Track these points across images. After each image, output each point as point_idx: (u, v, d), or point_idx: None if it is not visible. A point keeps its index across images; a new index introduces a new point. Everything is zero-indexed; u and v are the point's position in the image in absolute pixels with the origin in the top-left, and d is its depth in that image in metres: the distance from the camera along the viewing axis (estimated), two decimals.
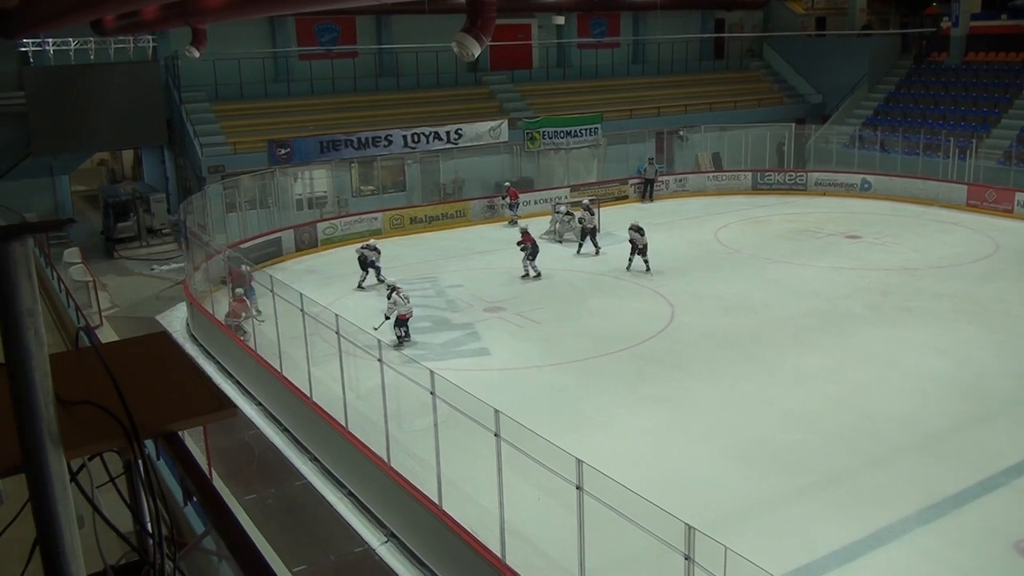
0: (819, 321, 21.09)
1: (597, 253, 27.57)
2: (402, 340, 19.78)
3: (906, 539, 12.07)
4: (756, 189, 37.77)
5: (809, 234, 30.09)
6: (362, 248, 24.95)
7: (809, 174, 37.91)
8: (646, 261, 25.25)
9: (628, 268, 25.41)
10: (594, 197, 32.44)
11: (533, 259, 25.14)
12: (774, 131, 40.00)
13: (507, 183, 33.20)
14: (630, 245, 25.41)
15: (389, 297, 20.01)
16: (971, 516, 12.61)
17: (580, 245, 28.16)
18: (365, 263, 24.57)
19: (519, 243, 25.21)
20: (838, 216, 32.80)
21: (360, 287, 24.52)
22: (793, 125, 40.46)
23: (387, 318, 19.88)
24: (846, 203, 35.30)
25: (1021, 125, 36.14)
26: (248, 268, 18.95)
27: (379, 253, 24.86)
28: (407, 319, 20.00)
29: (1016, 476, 13.68)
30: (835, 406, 16.31)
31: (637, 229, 25.27)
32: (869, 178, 36.56)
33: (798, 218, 32.73)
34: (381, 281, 24.21)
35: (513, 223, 29.48)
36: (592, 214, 28.68)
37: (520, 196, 33.14)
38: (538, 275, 24.99)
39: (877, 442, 14.85)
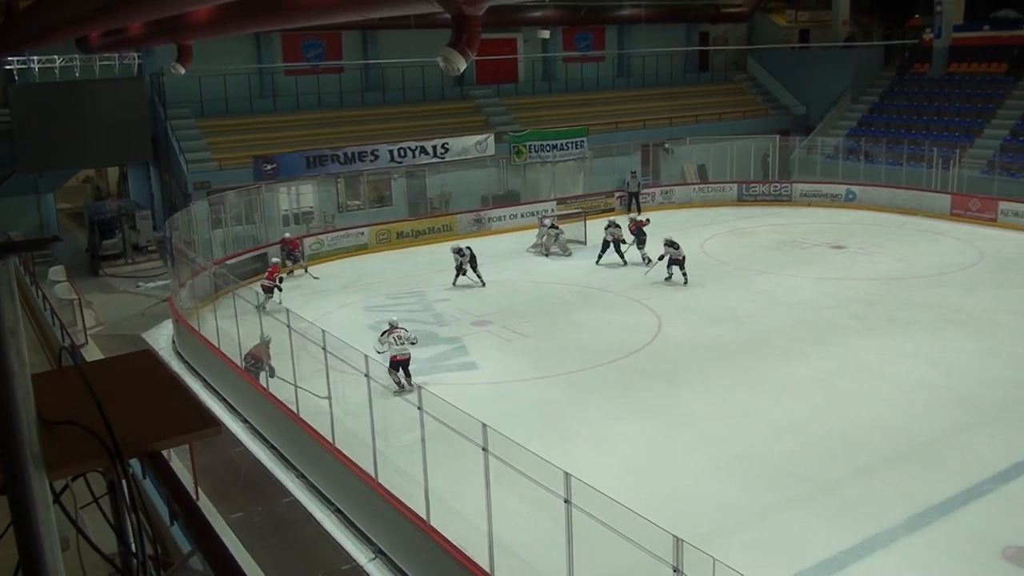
0: (806, 331, 21.16)
1: (598, 261, 28.12)
2: (401, 386, 17.47)
3: (895, 547, 12.09)
4: (742, 200, 37.92)
5: (795, 245, 30.20)
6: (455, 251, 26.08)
7: (794, 185, 38.09)
8: (684, 274, 25.23)
9: (668, 279, 25.28)
10: (578, 211, 32.52)
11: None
12: (759, 143, 40.20)
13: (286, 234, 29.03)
14: (668, 260, 25.31)
15: (383, 334, 18.14)
16: (959, 524, 12.65)
17: (600, 255, 28.26)
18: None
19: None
20: (823, 227, 32.95)
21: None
22: (778, 137, 40.66)
23: (379, 353, 17.70)
24: (831, 214, 35.46)
25: (1004, 135, 36.41)
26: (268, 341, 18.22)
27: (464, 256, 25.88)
28: (401, 362, 17.79)
29: (1003, 483, 13.74)
30: (823, 416, 16.35)
31: (671, 244, 25.31)
32: (854, 188, 36.76)
33: (784, 229, 32.86)
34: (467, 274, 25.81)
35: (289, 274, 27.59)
36: (557, 229, 29.36)
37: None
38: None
39: (865, 451, 14.89)
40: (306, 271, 27.73)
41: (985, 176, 34.51)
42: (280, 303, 22.73)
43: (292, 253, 27.64)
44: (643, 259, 27.18)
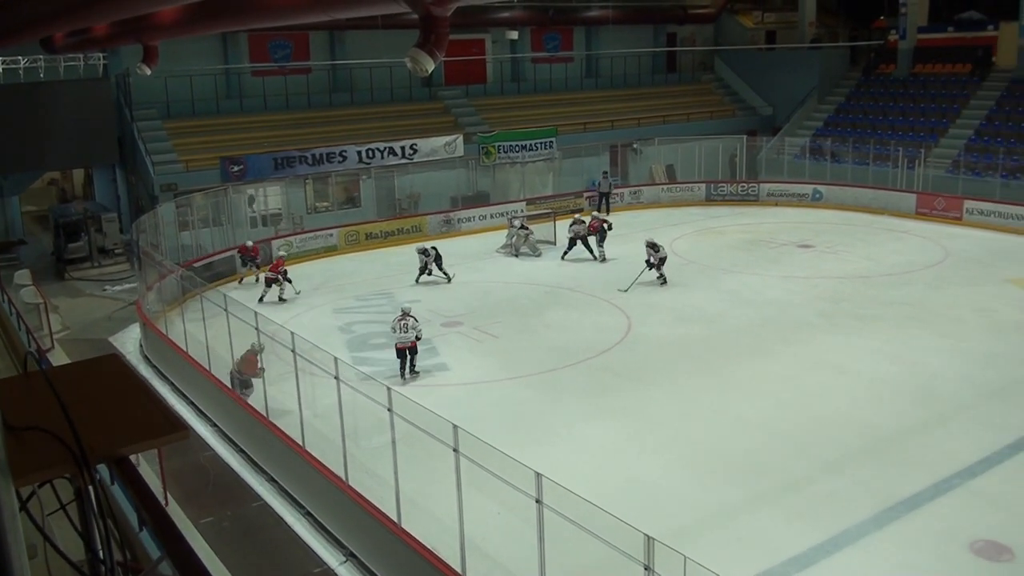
0: (774, 330, 21.31)
1: (562, 254, 28.61)
2: (402, 376, 18.38)
3: (862, 543, 12.21)
4: (710, 200, 38.13)
5: (762, 244, 30.42)
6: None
7: (761, 185, 38.37)
8: (662, 274, 25.33)
9: (660, 280, 25.42)
10: (547, 211, 32.61)
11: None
12: (726, 143, 40.45)
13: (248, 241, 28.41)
14: (655, 262, 25.42)
15: (401, 322, 18.67)
16: (926, 518, 12.79)
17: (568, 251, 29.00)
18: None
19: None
20: (790, 226, 33.21)
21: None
22: (745, 137, 40.95)
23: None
24: (798, 213, 35.74)
25: (968, 135, 36.87)
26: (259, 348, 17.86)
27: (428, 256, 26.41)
28: (401, 350, 18.53)
29: (970, 478, 13.92)
30: (791, 413, 16.48)
31: (653, 245, 25.42)
32: (820, 188, 37.08)
33: (751, 228, 33.08)
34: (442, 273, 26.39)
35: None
36: (527, 230, 29.71)
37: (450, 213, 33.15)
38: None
39: (833, 447, 15.02)
40: (290, 285, 26.15)
41: (950, 175, 34.94)
42: (298, 293, 25.28)
43: (253, 260, 27.38)
44: (598, 255, 28.30)
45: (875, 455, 14.79)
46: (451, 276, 26.36)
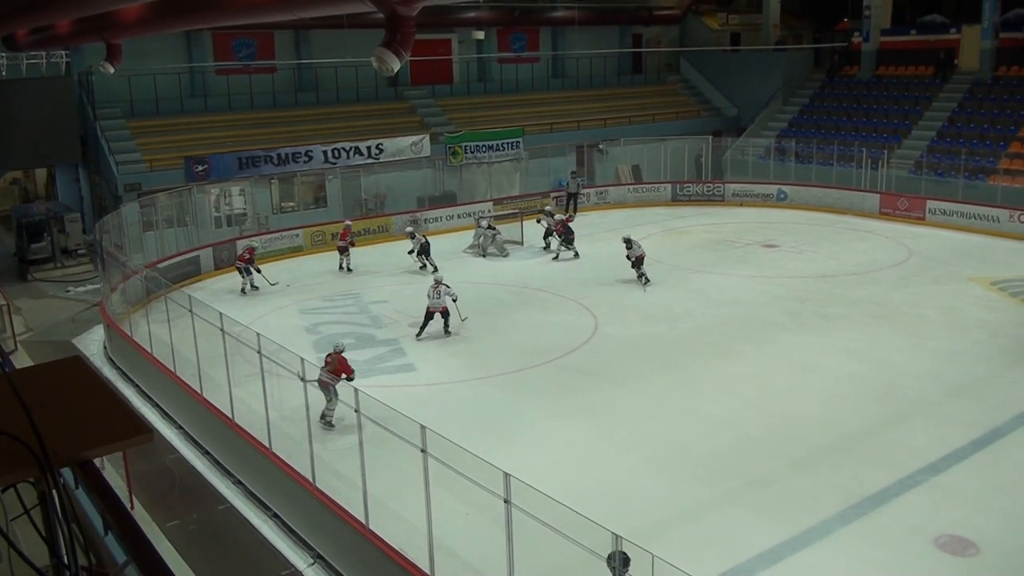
0: (740, 329, 21.45)
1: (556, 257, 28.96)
2: (419, 334, 21.02)
3: (830, 539, 12.32)
4: (676, 200, 38.32)
5: (728, 244, 30.61)
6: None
7: (727, 185, 38.60)
8: (643, 273, 25.35)
9: (646, 281, 25.41)
10: (514, 211, 32.65)
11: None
12: (692, 144, 40.68)
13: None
14: (633, 260, 25.56)
15: (431, 288, 21.21)
16: (892, 514, 12.92)
17: (547, 246, 29.77)
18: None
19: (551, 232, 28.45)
20: (756, 226, 33.45)
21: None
22: (710, 138, 41.18)
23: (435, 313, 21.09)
24: (763, 213, 36.01)
25: (931, 136, 37.31)
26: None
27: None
28: (434, 312, 20.91)
29: (934, 473, 14.08)
30: (757, 411, 16.60)
31: (628, 242, 25.54)
32: (785, 188, 37.38)
33: (717, 228, 33.28)
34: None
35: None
36: (494, 230, 29.91)
37: (440, 210, 33.20)
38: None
39: (799, 445, 15.14)
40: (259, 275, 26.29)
41: (913, 176, 35.34)
42: (274, 284, 25.80)
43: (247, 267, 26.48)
44: (556, 252, 28.88)
45: (841, 452, 14.92)
46: (436, 267, 26.81)
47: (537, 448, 15.25)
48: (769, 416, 16.38)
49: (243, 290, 25.13)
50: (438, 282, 21.20)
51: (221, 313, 15.53)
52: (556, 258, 28.67)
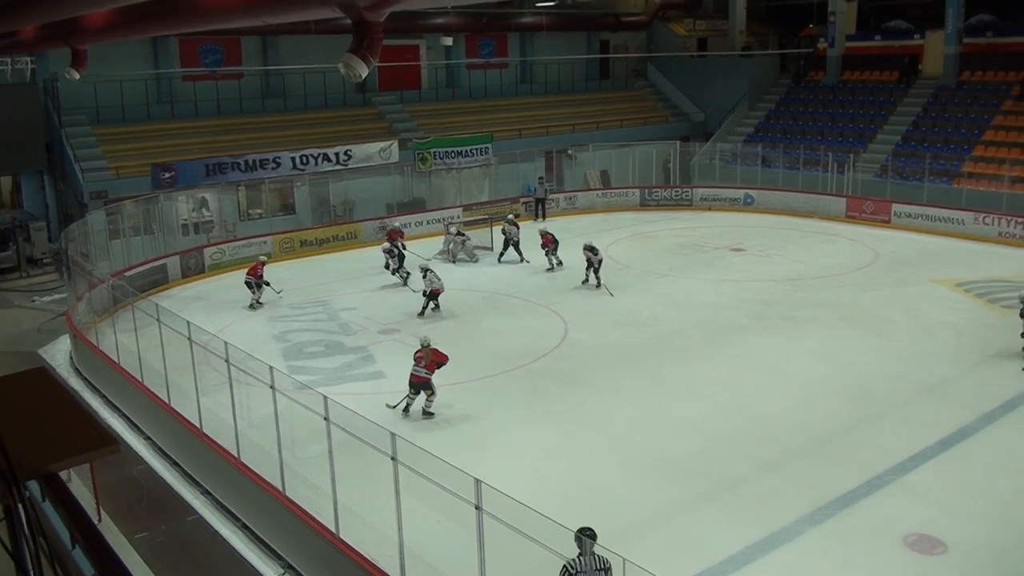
0: (708, 332, 21.55)
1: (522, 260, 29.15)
2: (432, 309, 23.27)
3: (799, 540, 12.39)
4: (644, 205, 38.49)
5: (696, 248, 30.77)
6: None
7: (695, 190, 38.82)
8: (598, 278, 25.57)
9: (584, 282, 25.88)
10: (484, 217, 32.65)
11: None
12: (660, 149, 40.88)
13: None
14: (586, 262, 25.75)
15: (425, 276, 23.12)
16: (861, 514, 13.02)
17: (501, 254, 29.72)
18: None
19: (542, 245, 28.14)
20: (723, 230, 33.66)
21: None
22: (678, 143, 41.36)
23: (425, 294, 23.26)
24: (730, 217, 36.25)
25: (896, 140, 37.73)
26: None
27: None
28: (440, 293, 23.22)
29: (902, 473, 14.21)
30: (727, 414, 16.68)
31: (591, 249, 25.55)
32: (752, 192, 37.65)
33: (685, 233, 33.45)
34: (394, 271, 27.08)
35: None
36: (463, 236, 29.90)
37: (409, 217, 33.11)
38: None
39: (769, 447, 15.23)
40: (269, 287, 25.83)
41: (878, 179, 35.72)
42: (260, 304, 25.05)
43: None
44: (553, 264, 28.18)
45: (811, 454, 15.03)
46: (406, 279, 26.68)
47: (508, 453, 15.24)
48: (739, 418, 16.47)
49: (251, 305, 24.72)
50: (426, 270, 23.15)
51: (188, 322, 15.42)
52: (551, 269, 28.08)
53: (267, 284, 25.00)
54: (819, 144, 38.75)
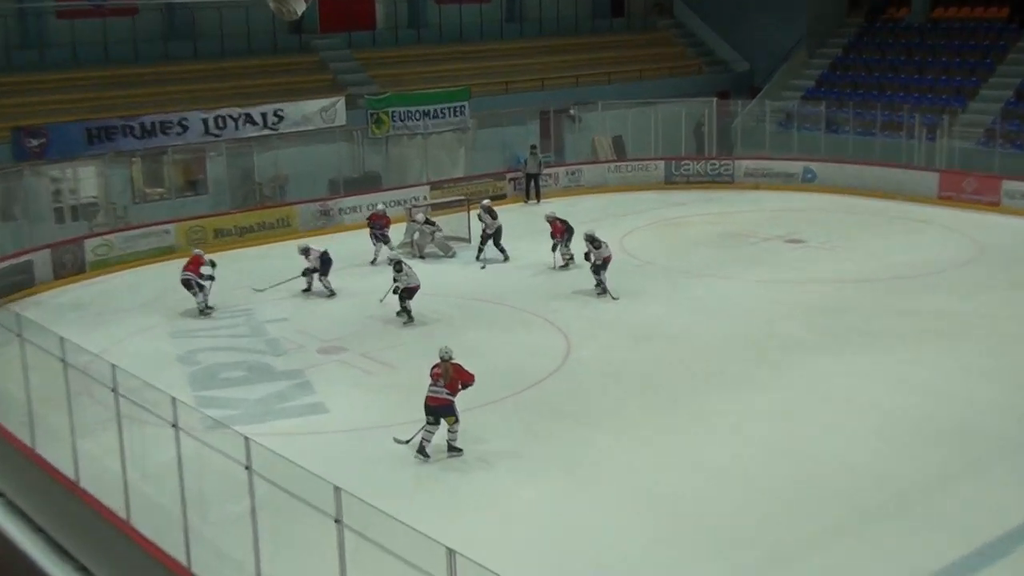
0: (754, 350, 21.48)
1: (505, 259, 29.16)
2: (410, 314, 23.73)
3: None
4: (670, 182, 38.49)
5: (739, 239, 30.77)
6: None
7: (737, 162, 38.82)
8: (601, 280, 25.42)
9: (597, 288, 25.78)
10: (459, 198, 32.56)
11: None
12: (691, 108, 40.86)
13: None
14: (585, 259, 25.80)
15: (399, 270, 23.49)
16: None
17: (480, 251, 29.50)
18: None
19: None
20: (775, 215, 33.70)
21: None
22: (715, 100, 41.36)
23: (396, 292, 23.71)
24: (784, 198, 36.28)
25: (1006, 96, 37.73)
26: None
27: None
28: (416, 289, 23.66)
29: (1020, 542, 14.05)
30: (779, 460, 16.54)
31: (592, 240, 25.38)
32: (813, 166, 37.60)
33: (724, 219, 33.45)
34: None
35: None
36: (432, 225, 29.80)
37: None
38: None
39: (834, 505, 15.06)
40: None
41: (983, 148, 35.71)
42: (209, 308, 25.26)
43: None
44: (566, 260, 28.18)
45: (892, 515, 14.86)
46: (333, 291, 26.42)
47: (492, 514, 15.11)
48: (794, 466, 16.33)
49: (201, 310, 24.84)
50: (401, 262, 23.77)
51: (62, 338, 15.18)
52: (564, 266, 28.08)
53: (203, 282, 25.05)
54: (902, 102, 38.79)
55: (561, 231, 27.99)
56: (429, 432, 16.72)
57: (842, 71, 42.96)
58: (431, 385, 16.80)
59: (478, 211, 29.79)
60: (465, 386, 16.90)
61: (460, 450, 16.81)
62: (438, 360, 16.91)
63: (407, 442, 16.95)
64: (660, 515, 15.00)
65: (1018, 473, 16.07)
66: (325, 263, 26.22)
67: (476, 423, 18.30)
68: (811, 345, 21.74)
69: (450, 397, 16.65)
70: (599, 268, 25.37)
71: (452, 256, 29.56)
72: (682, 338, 22.46)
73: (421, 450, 16.70)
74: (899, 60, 42.00)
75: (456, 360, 16.92)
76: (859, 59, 43.13)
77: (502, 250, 29.06)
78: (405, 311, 23.60)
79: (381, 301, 24.47)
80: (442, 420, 16.71)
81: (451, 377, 16.70)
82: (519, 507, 15.38)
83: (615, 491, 15.80)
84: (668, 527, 14.70)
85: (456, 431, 16.83)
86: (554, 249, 28.01)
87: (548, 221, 28.18)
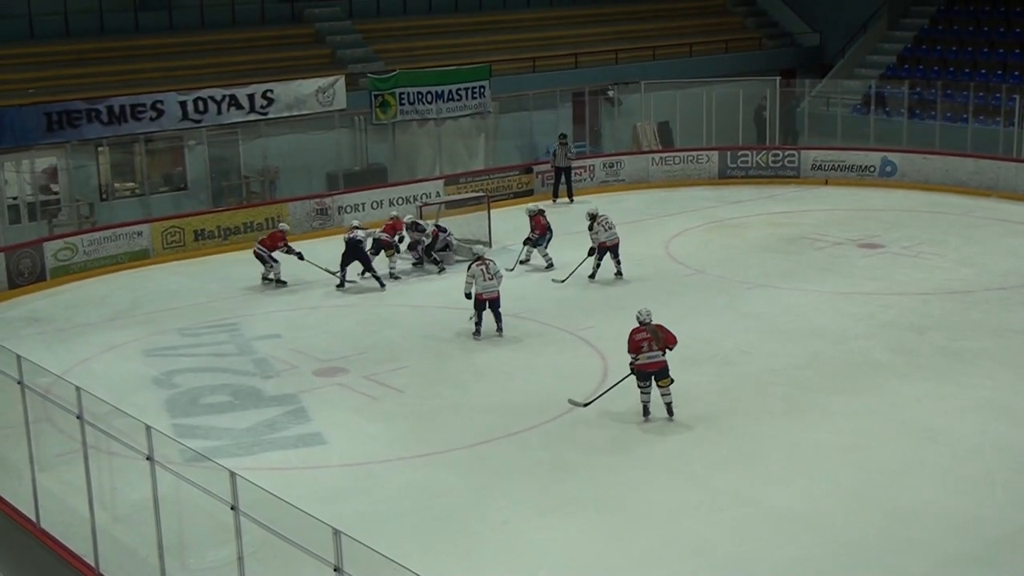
0: (824, 375, 21.50)
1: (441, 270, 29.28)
2: (479, 331, 23.74)
3: None
4: (725, 177, 38.52)
5: (806, 243, 30.79)
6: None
7: (803, 153, 38.73)
8: (596, 266, 26.81)
9: (591, 277, 27.10)
10: (478, 195, 32.69)
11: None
12: (749, 89, 40.82)
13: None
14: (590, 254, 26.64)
15: (470, 266, 23.88)
16: None
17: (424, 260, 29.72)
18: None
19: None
20: (848, 215, 33.68)
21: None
22: (778, 80, 41.30)
23: (470, 297, 23.80)
24: (860, 195, 36.24)
25: None
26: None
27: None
28: (485, 300, 23.48)
29: None
30: (853, 503, 16.57)
31: (594, 218, 26.22)
32: (893, 157, 37.53)
33: (788, 219, 33.45)
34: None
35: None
36: (424, 231, 29.72)
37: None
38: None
39: (918, 555, 15.12)
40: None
41: None
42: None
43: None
44: (526, 258, 29.11)
45: (985, 563, 14.91)
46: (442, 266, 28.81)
47: (514, 561, 15.15)
48: (871, 510, 16.36)
49: (269, 279, 27.18)
50: (481, 257, 23.79)
51: (19, 356, 15.38)
52: (521, 264, 28.87)
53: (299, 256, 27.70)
54: (999, 83, 38.65)
55: (544, 229, 28.43)
56: (647, 394, 19.13)
57: (929, 45, 42.86)
58: (643, 352, 18.91)
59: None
60: (669, 347, 19.10)
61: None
62: (636, 325, 19.24)
63: (585, 405, 18.88)
64: (709, 565, 15.06)
65: None
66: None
67: (495, 458, 18.47)
68: (889, 368, 21.75)
69: (664, 358, 18.88)
70: (595, 252, 26.51)
71: (442, 271, 29.12)
72: (737, 360, 22.50)
73: (645, 411, 19.27)
74: (997, 32, 41.86)
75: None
76: (949, 31, 43.04)
77: (436, 262, 29.16)
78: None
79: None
80: (652, 383, 18.83)
81: (661, 338, 18.99)
82: (543, 551, 15.45)
83: (655, 536, 15.85)
84: None
85: (671, 392, 19.15)
86: (525, 243, 28.72)
87: (530, 215, 28.73)
